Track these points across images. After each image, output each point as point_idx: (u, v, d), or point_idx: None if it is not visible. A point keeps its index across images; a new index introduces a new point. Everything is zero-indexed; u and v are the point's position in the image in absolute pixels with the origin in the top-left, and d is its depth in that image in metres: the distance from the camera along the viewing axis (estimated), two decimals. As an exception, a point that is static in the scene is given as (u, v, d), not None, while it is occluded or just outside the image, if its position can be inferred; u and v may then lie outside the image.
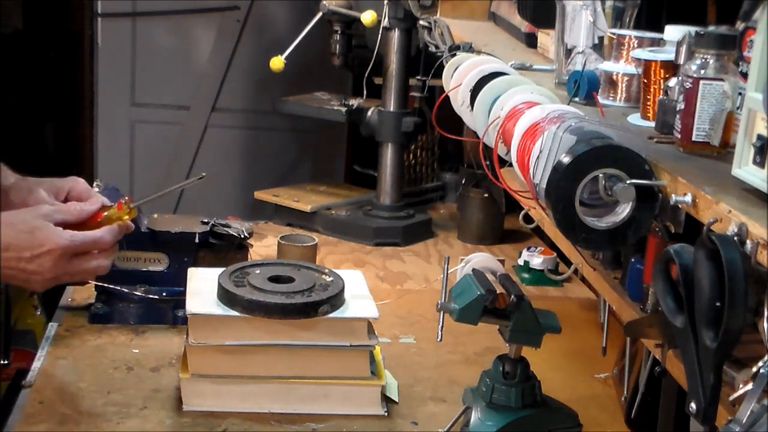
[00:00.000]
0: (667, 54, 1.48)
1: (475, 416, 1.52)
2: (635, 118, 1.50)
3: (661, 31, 1.53)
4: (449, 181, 3.03)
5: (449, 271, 1.59)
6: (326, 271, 1.73)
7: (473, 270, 1.55)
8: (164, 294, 1.94)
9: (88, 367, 1.76)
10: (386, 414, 1.65)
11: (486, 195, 2.59)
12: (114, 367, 1.77)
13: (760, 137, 1.04)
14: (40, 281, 1.45)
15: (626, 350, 1.68)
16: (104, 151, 3.61)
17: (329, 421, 1.61)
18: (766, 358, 0.96)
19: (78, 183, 1.60)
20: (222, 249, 2.00)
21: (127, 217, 1.54)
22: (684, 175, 1.15)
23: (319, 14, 2.67)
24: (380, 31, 2.55)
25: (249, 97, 3.60)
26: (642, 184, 1.19)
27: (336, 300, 1.63)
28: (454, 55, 1.89)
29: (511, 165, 1.45)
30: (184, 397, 1.63)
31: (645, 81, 1.49)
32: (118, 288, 1.92)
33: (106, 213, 1.54)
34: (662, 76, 1.46)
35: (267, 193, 2.76)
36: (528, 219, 1.82)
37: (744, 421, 0.93)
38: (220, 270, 1.68)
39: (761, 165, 1.04)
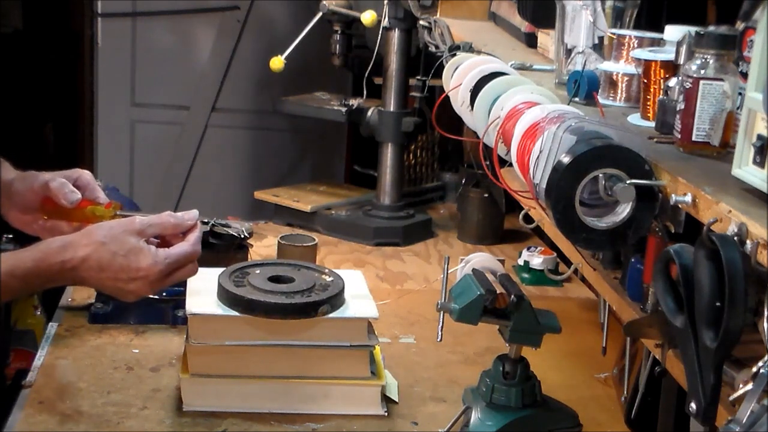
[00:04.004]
0: (667, 54, 1.47)
1: (475, 416, 1.52)
2: (635, 118, 1.50)
3: (661, 31, 1.53)
4: (449, 181, 3.03)
5: (449, 271, 1.59)
6: (326, 271, 1.73)
7: (473, 270, 1.55)
8: (164, 294, 1.93)
9: (88, 367, 1.76)
10: (386, 414, 1.65)
11: (486, 195, 2.59)
12: (114, 367, 1.77)
13: (760, 137, 1.04)
14: (135, 297, 1.48)
15: (626, 350, 1.68)
16: (104, 151, 3.61)
17: (329, 421, 1.61)
18: (766, 358, 0.96)
19: (84, 174, 1.61)
20: (222, 249, 2.00)
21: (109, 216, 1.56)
22: (684, 175, 1.15)
23: (319, 14, 2.67)
24: (380, 31, 2.55)
25: (249, 97, 3.60)
26: (642, 184, 1.19)
27: (336, 300, 1.63)
28: (454, 55, 1.89)
29: (511, 165, 1.45)
30: (184, 397, 1.63)
31: (645, 81, 1.49)
32: (118, 288, 1.92)
33: (95, 213, 1.56)
34: (662, 76, 1.46)
35: (267, 193, 2.76)
36: (528, 219, 1.82)
37: (744, 421, 0.93)
38: (220, 270, 1.68)
39: (761, 165, 1.04)
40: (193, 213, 1.53)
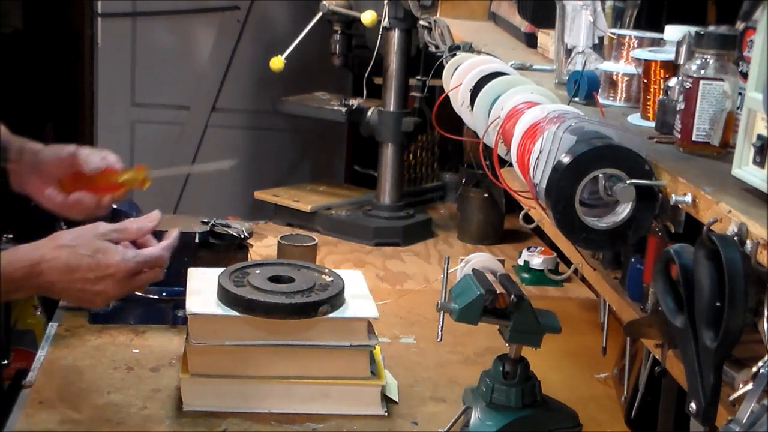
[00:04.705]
0: (667, 54, 1.47)
1: (475, 416, 1.52)
2: (635, 118, 1.50)
3: (661, 31, 1.53)
4: (449, 181, 3.03)
5: (449, 271, 1.59)
6: (326, 271, 1.73)
7: (473, 270, 1.55)
8: (164, 294, 1.93)
9: (88, 367, 1.76)
10: (386, 414, 1.65)
11: (486, 195, 2.59)
12: (114, 367, 1.77)
13: (760, 137, 1.04)
14: (102, 300, 1.48)
15: (626, 350, 1.68)
16: (104, 151, 3.61)
17: (329, 421, 1.61)
18: (766, 358, 0.96)
19: (110, 153, 1.64)
20: (222, 249, 2.00)
21: (144, 179, 1.58)
22: (684, 175, 1.15)
23: (319, 14, 2.67)
24: (380, 31, 2.55)
25: (249, 97, 3.60)
26: (642, 184, 1.19)
27: (336, 300, 1.63)
28: (454, 55, 1.89)
29: (511, 165, 1.45)
30: (184, 397, 1.63)
31: (645, 81, 1.49)
32: (118, 288, 1.92)
33: (124, 178, 1.58)
34: (662, 76, 1.46)
35: (267, 193, 2.76)
36: (528, 219, 1.82)
37: (744, 421, 0.93)
38: (220, 270, 1.68)
39: (761, 165, 1.04)
40: (155, 214, 1.55)
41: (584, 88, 1.58)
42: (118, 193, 1.61)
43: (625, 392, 1.65)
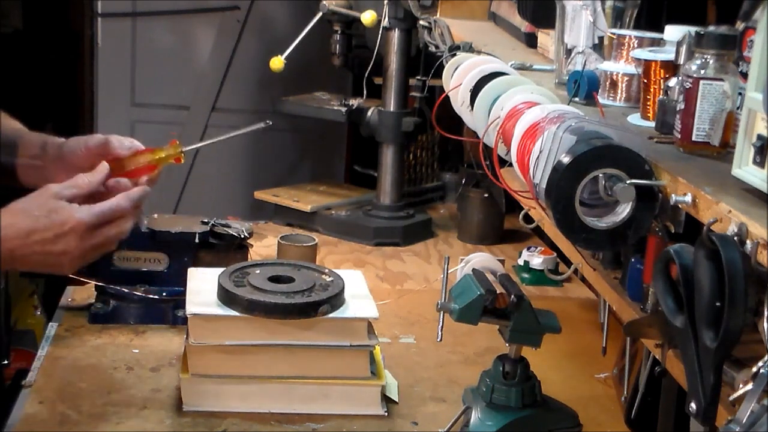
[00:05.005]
0: (667, 54, 1.47)
1: (475, 416, 1.52)
2: (635, 118, 1.50)
3: (661, 31, 1.53)
4: (449, 181, 3.03)
5: (449, 271, 1.59)
6: (326, 271, 1.73)
7: (473, 270, 1.55)
8: (164, 294, 1.94)
9: (88, 367, 1.76)
10: (386, 414, 1.65)
11: (486, 195, 2.59)
12: (114, 367, 1.77)
13: (760, 137, 1.04)
14: (68, 261, 1.42)
15: (626, 350, 1.68)
16: (104, 151, 3.61)
17: (329, 421, 1.61)
18: (766, 358, 0.96)
19: (135, 141, 1.60)
20: (222, 249, 2.00)
21: (179, 155, 1.55)
22: (684, 175, 1.15)
23: (319, 14, 2.67)
24: (380, 31, 2.55)
25: (249, 97, 3.60)
26: (642, 184, 1.19)
27: (336, 300, 1.63)
28: (454, 55, 1.89)
29: (511, 165, 1.45)
30: (184, 397, 1.63)
31: (645, 81, 1.49)
32: (118, 288, 1.92)
33: (161, 155, 1.55)
34: (662, 76, 1.46)
35: (267, 193, 2.76)
36: (528, 219, 1.82)
37: (744, 421, 0.93)
38: (220, 270, 1.68)
39: (761, 165, 1.04)
40: (102, 165, 1.50)
41: (584, 88, 1.58)
42: (153, 172, 1.56)
43: (625, 392, 1.65)
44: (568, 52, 1.72)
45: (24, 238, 1.39)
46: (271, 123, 1.66)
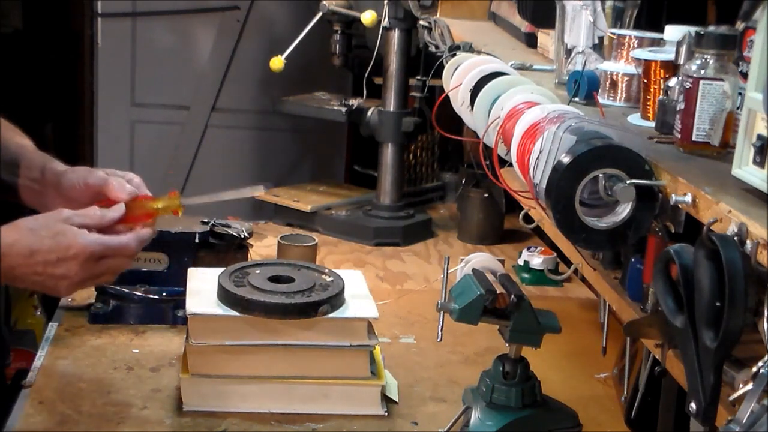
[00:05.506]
0: (667, 54, 1.47)
1: (475, 416, 1.52)
2: (635, 118, 1.50)
3: (661, 31, 1.53)
4: (449, 181, 3.03)
5: (449, 271, 1.59)
6: (326, 271, 1.73)
7: (473, 270, 1.55)
8: (164, 294, 1.94)
9: (88, 367, 1.76)
10: (386, 414, 1.65)
11: (486, 195, 2.59)
12: (114, 367, 1.77)
13: (760, 137, 1.04)
14: (66, 286, 1.43)
15: (626, 350, 1.68)
16: (104, 151, 3.61)
17: (329, 421, 1.61)
18: (766, 358, 0.96)
19: (135, 176, 1.58)
20: (222, 249, 2.00)
21: (177, 206, 1.53)
22: (684, 175, 1.15)
23: (319, 14, 2.67)
24: (380, 31, 2.55)
25: (249, 97, 3.60)
26: (642, 184, 1.19)
27: (336, 300, 1.63)
28: (454, 55, 1.89)
29: (511, 165, 1.45)
30: (184, 397, 1.63)
31: (645, 81, 1.49)
32: (118, 288, 1.92)
33: (159, 205, 1.52)
34: (662, 76, 1.46)
35: (267, 193, 2.76)
36: (528, 219, 1.82)
37: (744, 421, 0.93)
38: (220, 270, 1.68)
39: (761, 165, 1.04)
40: (120, 206, 1.49)
41: (584, 88, 1.58)
42: (150, 221, 1.53)
43: (625, 392, 1.65)
44: (568, 52, 1.72)
45: (27, 257, 1.39)
46: (272, 185, 1.63)
